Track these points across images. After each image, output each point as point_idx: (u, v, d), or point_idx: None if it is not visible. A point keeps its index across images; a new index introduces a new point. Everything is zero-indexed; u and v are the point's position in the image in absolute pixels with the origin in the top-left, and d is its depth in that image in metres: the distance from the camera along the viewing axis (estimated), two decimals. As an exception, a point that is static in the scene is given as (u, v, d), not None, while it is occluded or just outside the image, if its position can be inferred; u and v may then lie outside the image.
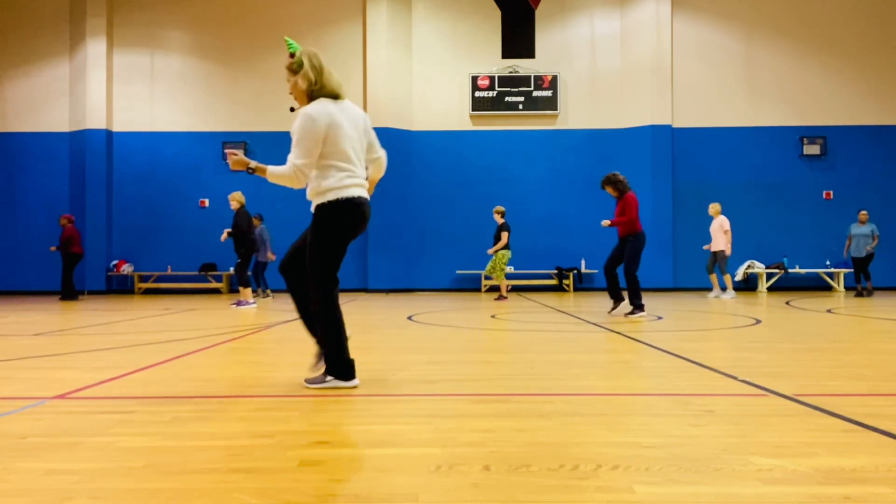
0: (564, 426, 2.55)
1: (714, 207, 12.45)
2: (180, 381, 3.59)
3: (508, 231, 11.44)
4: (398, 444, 2.34)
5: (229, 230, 10.19)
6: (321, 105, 3.30)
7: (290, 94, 3.46)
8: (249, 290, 10.25)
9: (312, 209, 3.37)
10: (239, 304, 10.03)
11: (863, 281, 12.86)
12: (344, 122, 3.31)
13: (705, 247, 12.63)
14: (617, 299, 8.09)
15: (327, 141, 3.26)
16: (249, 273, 10.69)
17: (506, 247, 11.41)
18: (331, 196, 3.27)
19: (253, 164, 3.32)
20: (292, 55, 3.39)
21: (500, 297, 11.66)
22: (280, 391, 3.32)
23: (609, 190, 7.97)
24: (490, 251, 11.40)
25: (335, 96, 3.37)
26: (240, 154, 3.35)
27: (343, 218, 3.29)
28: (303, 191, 3.42)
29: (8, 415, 2.81)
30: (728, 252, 12.18)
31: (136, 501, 1.78)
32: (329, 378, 3.33)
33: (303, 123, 3.23)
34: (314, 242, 3.31)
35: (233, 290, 15.51)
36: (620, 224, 7.81)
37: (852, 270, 14.57)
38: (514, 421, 2.64)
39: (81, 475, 1.98)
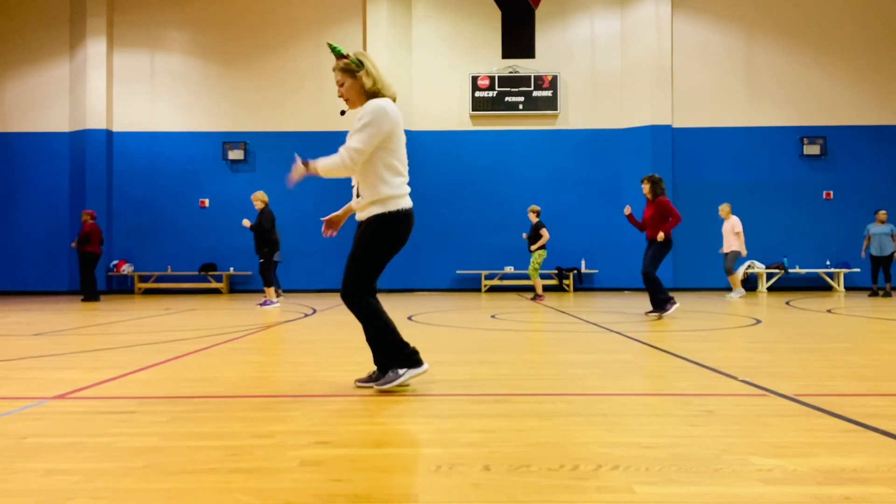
0: (564, 426, 2.55)
1: (724, 209, 12.34)
2: (180, 381, 3.59)
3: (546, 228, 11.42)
4: (398, 444, 2.34)
5: (251, 222, 10.12)
6: (392, 104, 3.24)
7: (342, 96, 3.34)
8: (273, 289, 10.22)
9: (365, 217, 3.25)
10: (264, 303, 10.01)
11: (881, 281, 12.77)
12: (402, 127, 3.29)
13: (721, 251, 12.54)
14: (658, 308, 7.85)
15: (393, 138, 3.20)
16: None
17: (542, 246, 11.37)
18: (392, 206, 3.19)
19: (309, 167, 3.21)
20: (341, 56, 3.31)
21: (537, 297, 11.56)
22: (280, 391, 3.32)
23: (645, 189, 7.97)
24: (532, 249, 11.32)
25: (393, 99, 3.33)
26: (296, 168, 3.24)
27: (402, 232, 3.24)
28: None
29: (8, 415, 2.81)
30: (743, 253, 12.10)
31: (136, 501, 1.78)
32: (402, 370, 3.26)
33: (375, 111, 3.14)
34: (366, 251, 3.22)
35: (233, 290, 15.50)
36: (654, 226, 7.86)
37: (857, 270, 14.60)
38: (514, 421, 2.64)
39: (81, 475, 1.98)
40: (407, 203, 3.26)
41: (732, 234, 12.09)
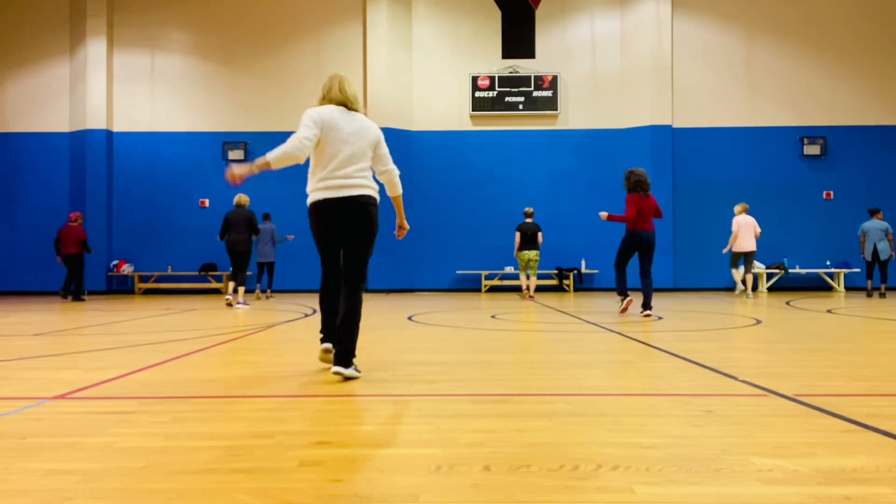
0: (564, 426, 2.55)
1: (736, 208, 12.23)
2: (180, 381, 3.59)
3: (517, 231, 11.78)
4: (398, 444, 2.34)
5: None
6: (323, 106, 3.68)
7: None
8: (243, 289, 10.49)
9: None
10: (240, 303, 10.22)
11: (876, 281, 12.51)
12: (344, 127, 3.58)
13: (727, 246, 12.35)
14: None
15: (321, 137, 3.55)
16: (250, 273, 10.93)
17: (518, 249, 11.79)
18: (308, 200, 3.68)
19: (254, 165, 3.46)
20: None
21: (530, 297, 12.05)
22: (280, 391, 3.32)
23: None
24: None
25: (342, 104, 3.67)
26: (237, 168, 3.45)
27: (311, 222, 3.70)
28: (302, 191, 3.54)
29: (8, 415, 2.81)
30: (734, 248, 11.94)
31: (136, 501, 1.78)
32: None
33: (305, 112, 3.64)
34: None
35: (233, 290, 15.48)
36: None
37: (857, 270, 14.61)
38: (514, 421, 2.64)
39: (81, 475, 1.98)
40: (313, 197, 3.63)
41: (742, 230, 11.92)
